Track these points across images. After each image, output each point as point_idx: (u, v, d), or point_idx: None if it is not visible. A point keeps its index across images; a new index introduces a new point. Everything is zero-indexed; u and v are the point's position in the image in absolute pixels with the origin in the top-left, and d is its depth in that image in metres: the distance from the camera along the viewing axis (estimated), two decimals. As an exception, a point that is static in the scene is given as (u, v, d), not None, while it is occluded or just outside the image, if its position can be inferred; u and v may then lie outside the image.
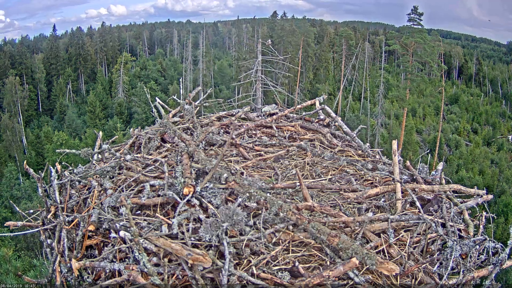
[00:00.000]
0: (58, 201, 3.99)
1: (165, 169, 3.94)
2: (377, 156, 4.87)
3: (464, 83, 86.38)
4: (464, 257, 3.46)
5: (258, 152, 4.94)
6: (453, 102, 70.80)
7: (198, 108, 5.68)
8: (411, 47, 40.67)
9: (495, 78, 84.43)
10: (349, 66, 61.35)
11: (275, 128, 5.49)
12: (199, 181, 3.76)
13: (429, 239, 3.51)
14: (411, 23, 41.35)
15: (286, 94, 34.33)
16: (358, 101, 62.38)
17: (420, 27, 41.21)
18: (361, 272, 3.11)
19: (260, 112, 6.00)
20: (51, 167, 4.36)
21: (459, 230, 3.75)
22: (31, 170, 4.25)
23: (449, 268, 3.30)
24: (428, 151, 42.92)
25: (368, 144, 5.11)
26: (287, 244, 3.32)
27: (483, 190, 4.34)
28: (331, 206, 3.76)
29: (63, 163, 4.49)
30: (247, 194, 3.51)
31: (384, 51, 63.86)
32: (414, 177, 4.38)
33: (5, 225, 4.18)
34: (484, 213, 3.95)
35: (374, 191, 4.00)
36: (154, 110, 5.60)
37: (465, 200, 4.15)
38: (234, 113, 5.77)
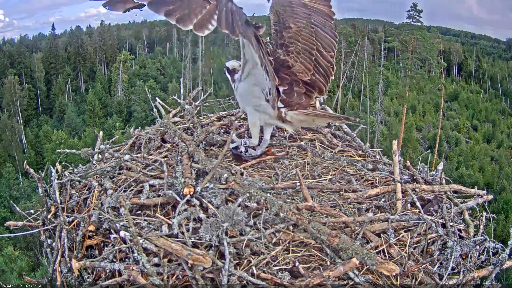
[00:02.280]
0: (58, 201, 3.99)
1: (165, 169, 3.94)
2: (378, 156, 4.86)
3: (464, 80, 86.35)
4: (464, 257, 3.46)
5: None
6: (453, 99, 70.78)
7: (198, 108, 5.68)
8: (411, 44, 40.69)
9: (494, 75, 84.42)
10: (348, 64, 61.31)
11: (275, 128, 5.48)
12: (199, 181, 3.76)
13: (429, 239, 3.51)
14: (411, 20, 41.36)
15: (285, 92, 34.23)
16: (357, 98, 62.36)
17: (419, 24, 41.20)
18: (361, 272, 3.11)
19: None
20: (51, 167, 4.35)
21: (459, 230, 3.74)
22: (31, 170, 4.24)
23: (449, 268, 3.31)
24: (428, 149, 42.94)
25: (368, 144, 5.10)
26: (287, 244, 3.32)
27: (484, 187, 4.34)
28: (331, 206, 3.76)
29: (63, 163, 4.48)
30: (247, 194, 3.51)
31: (383, 48, 63.85)
32: (414, 177, 4.38)
33: (5, 225, 4.19)
34: (484, 213, 3.95)
35: (375, 191, 3.99)
36: (154, 110, 5.59)
37: (465, 200, 4.15)
38: (234, 113, 5.76)
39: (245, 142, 4.54)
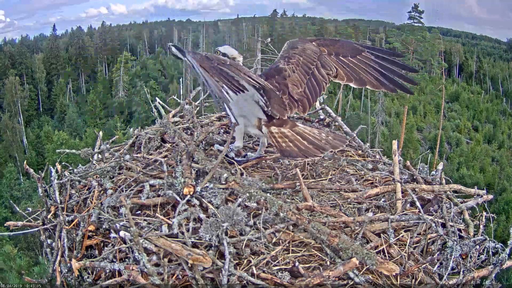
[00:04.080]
0: (58, 201, 3.99)
1: (165, 169, 3.94)
2: (377, 156, 4.86)
3: (465, 80, 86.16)
4: (464, 257, 3.46)
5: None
6: (454, 100, 70.59)
7: (198, 108, 5.67)
8: (412, 45, 40.67)
9: (495, 75, 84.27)
10: (349, 64, 61.06)
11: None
12: (199, 181, 3.76)
13: (429, 239, 3.51)
14: (412, 21, 41.37)
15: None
16: (358, 99, 62.26)
17: (420, 25, 41.21)
18: (361, 272, 3.11)
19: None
20: (51, 167, 4.36)
21: (459, 230, 3.74)
22: (31, 170, 4.25)
23: (449, 268, 3.31)
24: (429, 149, 42.87)
25: (368, 144, 5.09)
26: (287, 244, 3.32)
27: (484, 188, 4.34)
28: (331, 206, 3.76)
29: (63, 163, 4.48)
30: (247, 194, 3.52)
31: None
32: (414, 177, 4.38)
33: (5, 225, 4.19)
34: (484, 213, 3.94)
35: (374, 191, 3.99)
36: (154, 110, 5.60)
37: (465, 200, 4.15)
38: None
39: (230, 148, 4.50)
